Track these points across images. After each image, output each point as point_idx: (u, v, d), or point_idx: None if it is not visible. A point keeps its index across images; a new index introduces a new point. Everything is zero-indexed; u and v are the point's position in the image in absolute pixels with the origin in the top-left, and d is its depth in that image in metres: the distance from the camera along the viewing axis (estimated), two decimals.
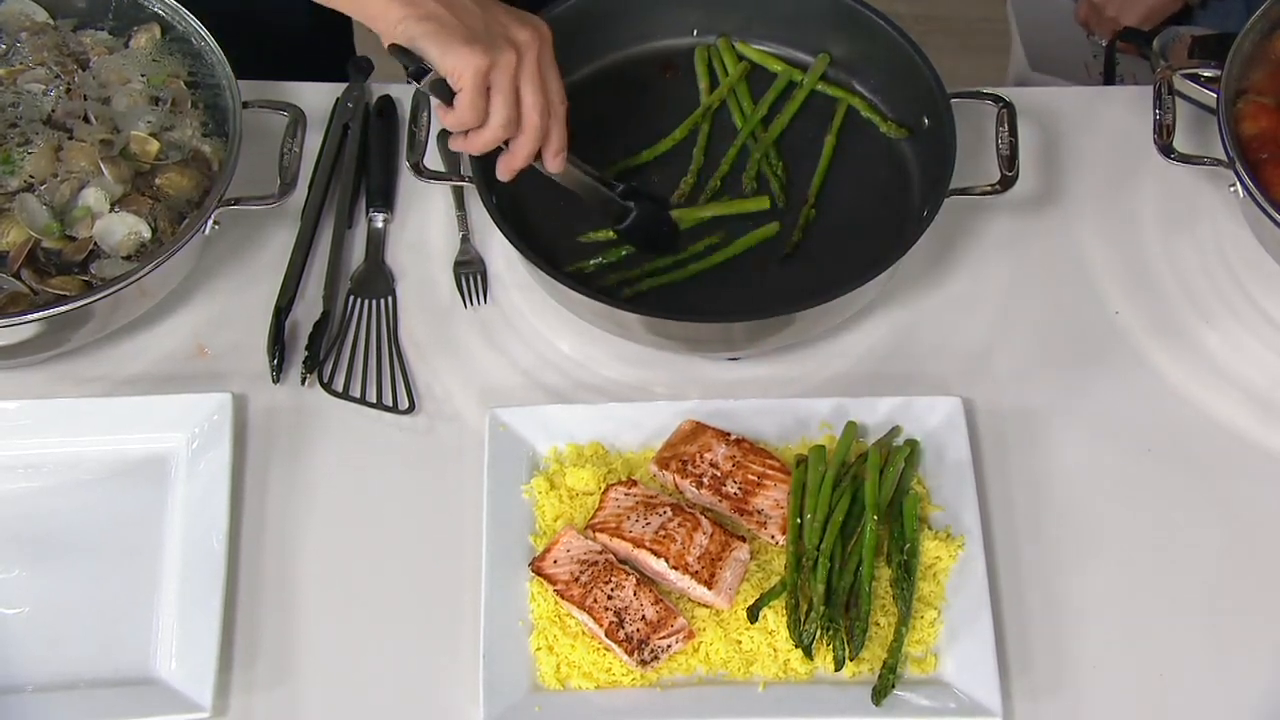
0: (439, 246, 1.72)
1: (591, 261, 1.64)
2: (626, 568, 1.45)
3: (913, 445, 1.53)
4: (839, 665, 1.41)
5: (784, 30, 1.78)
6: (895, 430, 1.55)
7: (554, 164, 1.52)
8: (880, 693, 1.40)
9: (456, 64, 1.41)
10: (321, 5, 1.48)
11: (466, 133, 1.48)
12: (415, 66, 1.43)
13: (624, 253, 1.64)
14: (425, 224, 1.74)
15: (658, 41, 1.80)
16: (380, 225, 1.73)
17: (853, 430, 1.53)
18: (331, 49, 2.02)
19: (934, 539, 1.49)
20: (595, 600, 1.43)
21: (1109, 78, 2.16)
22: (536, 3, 1.67)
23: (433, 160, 1.70)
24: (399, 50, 1.43)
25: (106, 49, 1.69)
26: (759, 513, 1.49)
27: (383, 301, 1.68)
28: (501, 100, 1.44)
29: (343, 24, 2.18)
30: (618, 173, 1.68)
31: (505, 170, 1.52)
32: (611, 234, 1.64)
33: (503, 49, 1.43)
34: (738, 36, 1.79)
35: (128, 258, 1.57)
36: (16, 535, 1.52)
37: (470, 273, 1.69)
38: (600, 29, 1.75)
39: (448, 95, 1.44)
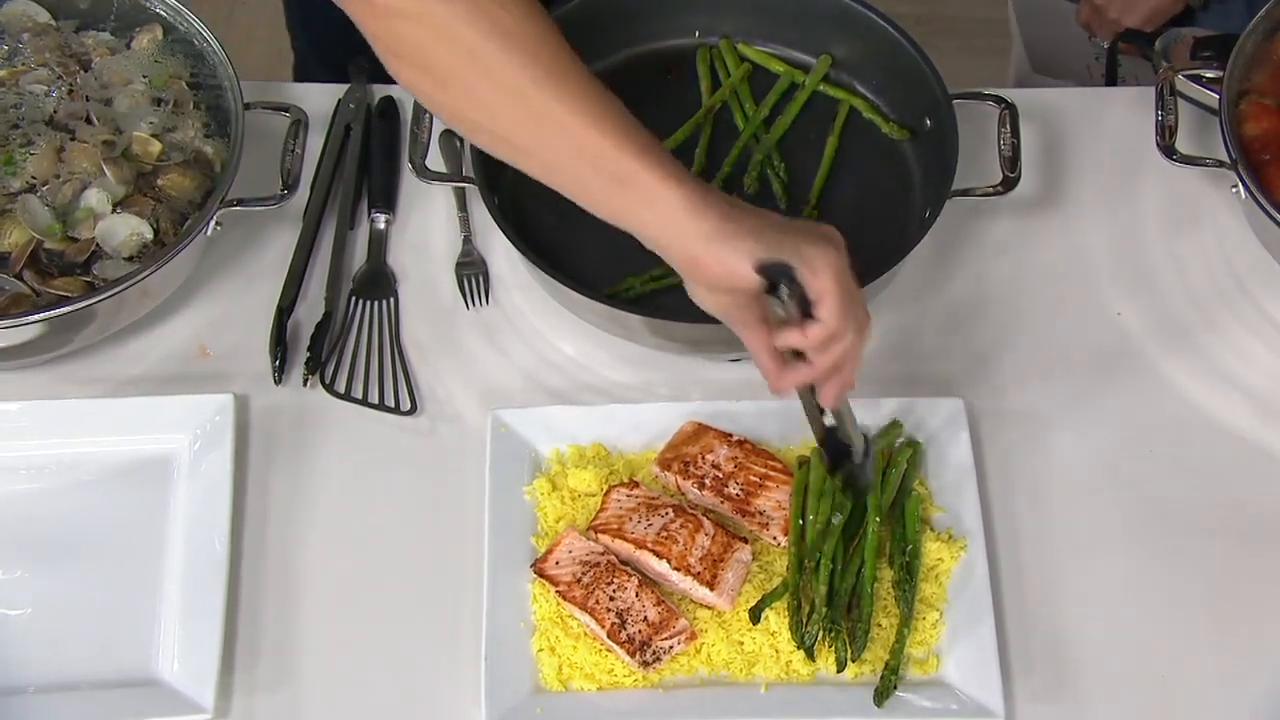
0: (441, 247, 1.72)
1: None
2: (628, 569, 1.45)
3: (914, 446, 1.53)
4: (841, 667, 1.41)
5: (786, 31, 1.78)
6: (895, 425, 1.54)
7: (852, 383, 1.35)
8: (882, 694, 1.40)
9: (820, 261, 1.24)
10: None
11: (800, 353, 1.29)
12: (773, 276, 1.25)
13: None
14: (427, 225, 1.74)
15: (660, 43, 1.80)
16: (382, 226, 1.73)
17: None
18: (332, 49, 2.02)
19: (936, 540, 1.49)
20: (597, 601, 1.43)
21: (1111, 79, 2.15)
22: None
23: (434, 161, 1.70)
24: (764, 269, 1.24)
25: (108, 50, 1.69)
26: (761, 514, 1.49)
27: (385, 302, 1.67)
28: (852, 302, 1.27)
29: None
30: None
31: (838, 393, 1.33)
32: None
33: (839, 246, 1.27)
34: (740, 37, 1.79)
35: (130, 259, 1.57)
36: (18, 536, 1.52)
37: (472, 274, 1.69)
38: (602, 30, 1.75)
39: (804, 309, 1.26)
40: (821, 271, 1.25)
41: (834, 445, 1.43)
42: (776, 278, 1.25)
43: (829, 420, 1.40)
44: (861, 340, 1.31)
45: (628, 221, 1.28)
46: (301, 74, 2.29)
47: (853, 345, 1.29)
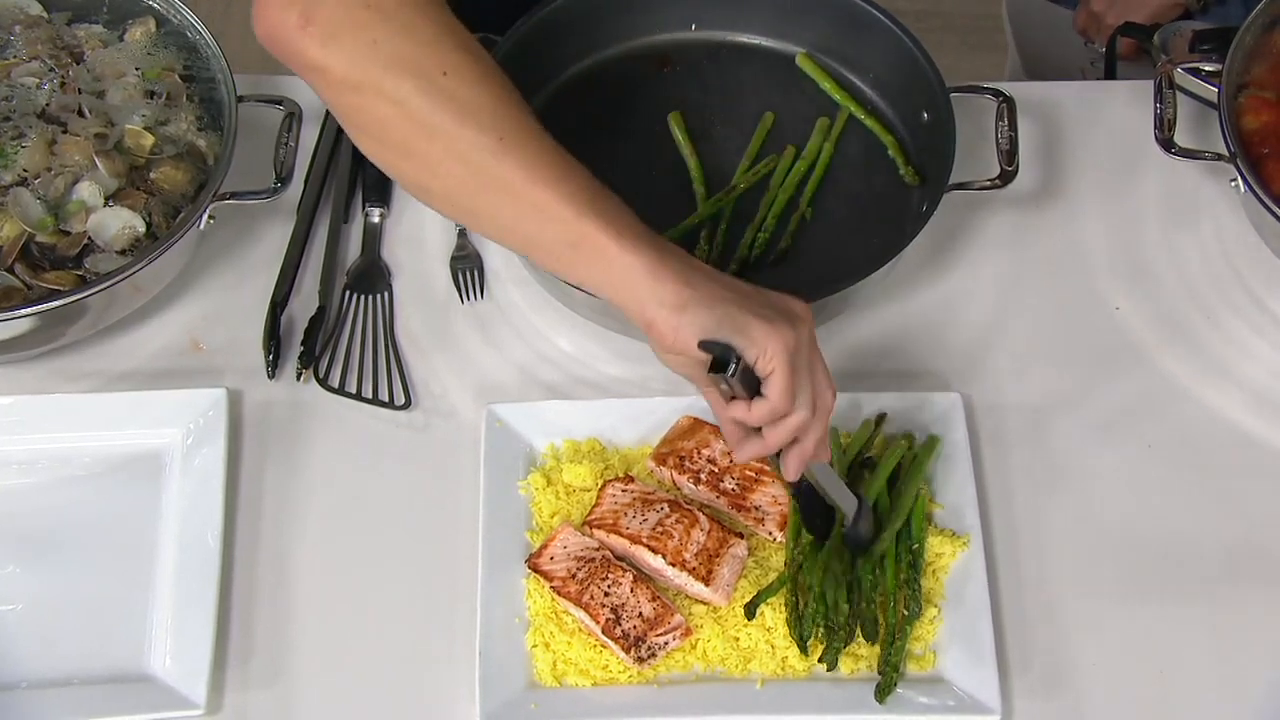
0: (436, 242, 1.72)
1: None
2: (623, 564, 1.45)
3: (909, 442, 1.52)
4: (832, 665, 1.40)
5: (782, 24, 1.77)
6: (882, 417, 1.53)
7: (824, 454, 1.35)
8: (884, 690, 1.39)
9: (767, 344, 1.24)
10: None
11: (757, 429, 1.30)
12: (719, 355, 1.24)
13: None
14: (422, 219, 1.73)
15: (656, 36, 1.79)
16: (376, 220, 1.72)
17: (868, 428, 1.52)
18: None
19: (935, 536, 1.48)
20: (592, 597, 1.42)
21: (1110, 76, 2.15)
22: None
23: None
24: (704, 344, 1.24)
25: (101, 42, 1.69)
26: (757, 509, 1.48)
27: (379, 297, 1.67)
28: (807, 380, 1.27)
29: None
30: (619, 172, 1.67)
31: (798, 465, 1.33)
32: None
33: (798, 326, 1.27)
34: (736, 31, 1.78)
35: (122, 252, 1.56)
36: (10, 532, 1.51)
37: (467, 268, 1.69)
38: (599, 23, 1.74)
39: (753, 385, 1.27)
40: (768, 352, 1.25)
41: (809, 506, 1.42)
42: (722, 356, 1.24)
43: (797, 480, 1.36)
44: (819, 416, 1.30)
45: (586, 283, 1.28)
46: None
47: (805, 421, 1.29)
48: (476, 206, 1.29)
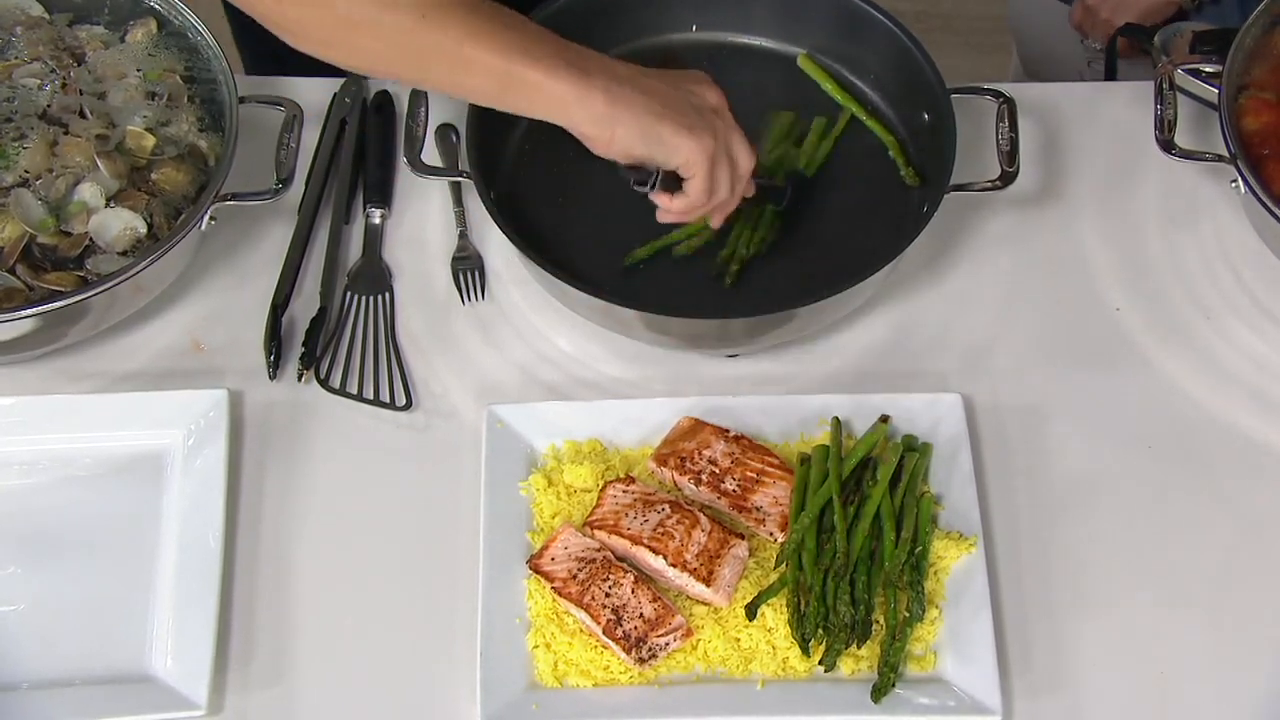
0: (436, 242, 1.72)
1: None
2: (624, 565, 1.45)
3: (926, 450, 1.52)
4: (830, 666, 1.40)
5: (783, 25, 1.77)
6: (885, 420, 1.53)
7: (749, 190, 1.55)
8: (880, 690, 1.39)
9: (688, 157, 1.43)
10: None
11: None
12: (637, 178, 1.47)
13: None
14: (422, 220, 1.73)
15: (657, 37, 1.79)
16: (377, 221, 1.72)
17: (883, 430, 1.52)
18: None
19: (940, 539, 1.48)
20: (593, 598, 1.42)
21: (1110, 76, 2.15)
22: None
23: (430, 155, 1.69)
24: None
25: (102, 43, 1.69)
26: (758, 510, 1.48)
27: (380, 298, 1.67)
28: (725, 172, 1.47)
29: None
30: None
31: (720, 219, 1.55)
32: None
33: (714, 123, 1.45)
34: (736, 31, 1.78)
35: (123, 253, 1.56)
36: (11, 532, 1.51)
37: (468, 269, 1.69)
38: (598, 25, 1.74)
39: (675, 184, 1.47)
40: (689, 162, 1.44)
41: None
42: (639, 179, 1.46)
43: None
44: (739, 180, 1.49)
45: (523, 113, 1.43)
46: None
47: (727, 197, 1.49)
48: (401, 73, 1.45)
